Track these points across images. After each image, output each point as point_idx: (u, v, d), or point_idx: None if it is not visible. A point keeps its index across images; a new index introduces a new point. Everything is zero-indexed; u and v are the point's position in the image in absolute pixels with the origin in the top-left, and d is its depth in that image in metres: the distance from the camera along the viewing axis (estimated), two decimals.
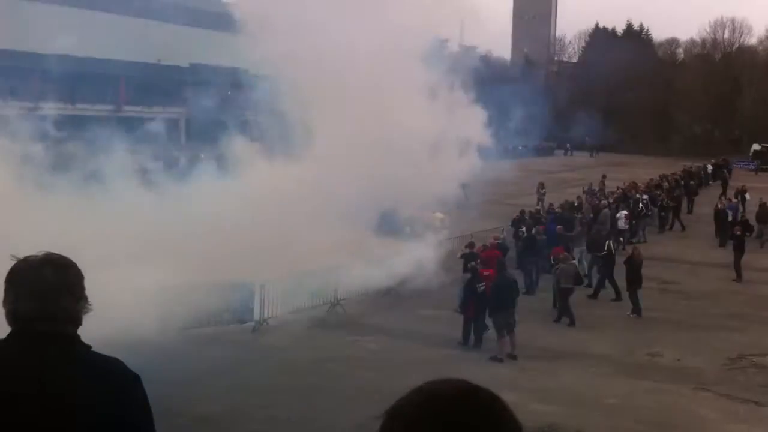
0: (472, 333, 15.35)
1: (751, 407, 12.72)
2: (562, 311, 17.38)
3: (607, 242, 20.56)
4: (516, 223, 24.12)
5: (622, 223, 26.21)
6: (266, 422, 11.32)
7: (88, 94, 46.98)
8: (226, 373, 13.05)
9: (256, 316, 16.32)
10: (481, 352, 14.89)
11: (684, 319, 17.74)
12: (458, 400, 1.41)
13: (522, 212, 25.32)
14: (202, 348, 14.03)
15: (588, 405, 12.35)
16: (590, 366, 14.28)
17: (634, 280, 18.48)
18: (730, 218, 28.39)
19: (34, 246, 2.67)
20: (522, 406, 11.69)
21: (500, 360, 14.47)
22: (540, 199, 33.80)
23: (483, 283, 15.48)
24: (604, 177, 37.96)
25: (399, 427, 1.40)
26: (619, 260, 19.72)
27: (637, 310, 18.10)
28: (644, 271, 19.45)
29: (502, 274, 15.68)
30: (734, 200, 31.97)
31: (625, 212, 27.05)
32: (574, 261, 18.60)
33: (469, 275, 16.77)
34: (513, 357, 14.64)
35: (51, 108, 42.19)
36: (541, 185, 35.78)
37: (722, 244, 26.79)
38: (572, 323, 17.09)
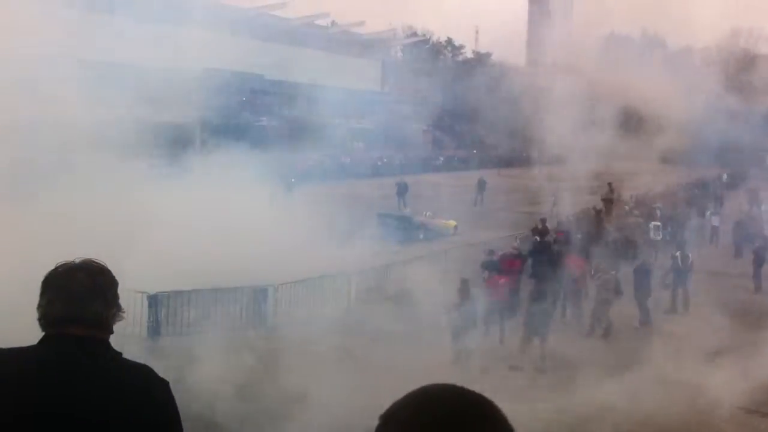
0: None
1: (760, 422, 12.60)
2: (596, 321, 17.23)
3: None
4: (536, 231, 23.98)
5: (654, 234, 26.32)
6: (274, 428, 11.31)
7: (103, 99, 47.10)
8: (237, 378, 13.03)
9: (269, 320, 16.37)
10: (492, 361, 14.83)
11: (699, 330, 17.56)
12: (451, 404, 1.42)
13: (543, 220, 25.35)
14: (215, 352, 14.03)
15: (599, 416, 12.25)
16: (602, 376, 14.16)
17: (643, 289, 18.32)
18: (716, 224, 30.46)
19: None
20: (532, 416, 11.63)
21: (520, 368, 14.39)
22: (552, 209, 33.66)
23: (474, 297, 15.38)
24: (610, 185, 37.74)
25: (393, 430, 1.42)
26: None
27: (645, 320, 17.99)
28: (658, 280, 19.39)
29: (542, 283, 15.63)
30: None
31: (656, 223, 27.32)
32: (614, 272, 18.35)
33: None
34: (542, 370, 14.51)
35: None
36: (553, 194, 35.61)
37: (737, 255, 26.77)
38: (607, 333, 16.99)
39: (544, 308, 15.14)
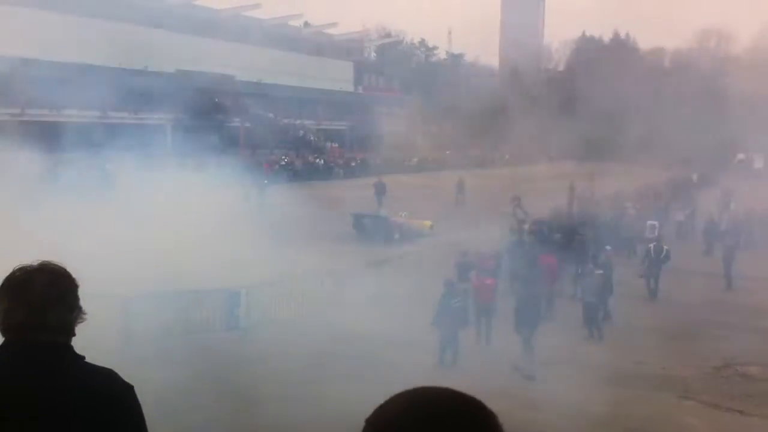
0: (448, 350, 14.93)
1: (735, 416, 12.75)
2: (590, 324, 17.15)
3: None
4: (513, 231, 23.98)
5: (653, 233, 26.75)
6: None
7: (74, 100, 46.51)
8: (212, 382, 12.95)
9: (242, 323, 16.26)
10: (474, 361, 14.84)
11: (669, 328, 17.77)
12: (443, 404, 1.40)
13: (520, 221, 25.56)
14: (188, 356, 13.93)
15: (574, 413, 12.32)
16: (576, 374, 14.25)
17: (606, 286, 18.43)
18: (681, 219, 31.96)
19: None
20: (509, 414, 11.57)
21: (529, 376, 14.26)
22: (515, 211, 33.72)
23: (460, 298, 15.33)
24: (571, 184, 37.98)
25: (382, 430, 1.40)
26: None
27: (608, 316, 18.08)
28: (631, 278, 19.50)
29: (530, 287, 15.63)
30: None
31: (654, 222, 27.98)
32: (599, 272, 18.25)
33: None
34: (518, 368, 14.46)
35: (36, 114, 42.18)
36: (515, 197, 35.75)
37: (708, 253, 27.14)
38: (600, 337, 16.94)
39: (530, 310, 15.08)
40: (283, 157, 51.44)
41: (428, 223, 29.74)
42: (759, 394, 13.81)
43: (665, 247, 21.61)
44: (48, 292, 2.49)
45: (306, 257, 20.45)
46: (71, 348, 2.54)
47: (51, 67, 43.06)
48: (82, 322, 2.60)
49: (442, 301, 15.05)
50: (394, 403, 1.42)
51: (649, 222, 28.13)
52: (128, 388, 2.53)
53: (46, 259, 2.61)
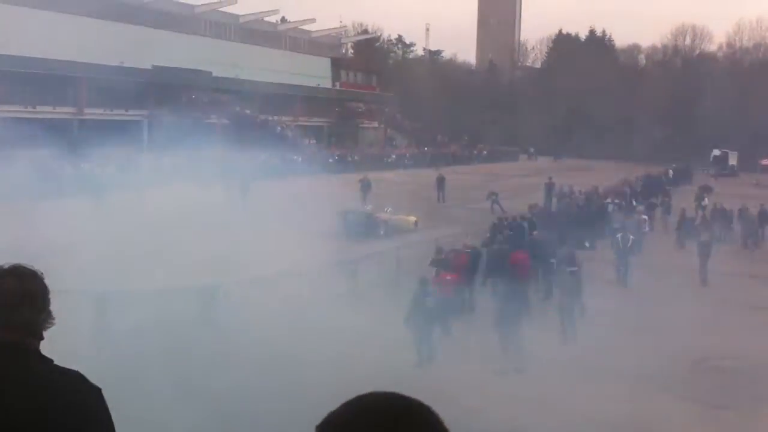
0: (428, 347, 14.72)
1: (712, 411, 12.85)
2: (565, 322, 16.80)
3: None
4: (495, 228, 23.83)
5: (644, 227, 27.02)
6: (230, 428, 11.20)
7: (49, 96, 45.99)
8: (190, 381, 12.84)
9: (219, 320, 16.16)
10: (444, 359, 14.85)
11: (646, 323, 17.85)
12: (386, 411, 1.41)
13: (499, 218, 25.64)
14: (168, 355, 13.79)
15: (552, 410, 12.36)
16: (554, 371, 14.30)
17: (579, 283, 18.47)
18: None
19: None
20: (487, 412, 11.71)
21: (505, 373, 14.07)
22: (492, 207, 34.08)
23: (433, 297, 15.26)
24: (550, 179, 38.58)
25: None
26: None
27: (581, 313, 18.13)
28: (607, 276, 19.60)
29: (512, 282, 15.57)
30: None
31: (645, 216, 28.46)
32: (573, 269, 18.06)
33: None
34: (519, 370, 14.20)
35: (10, 111, 41.71)
36: (492, 193, 36.18)
37: (681, 247, 27.48)
38: (574, 333, 16.64)
39: (514, 305, 15.00)
40: (261, 154, 51.21)
41: (413, 218, 29.88)
42: (734, 388, 13.94)
43: (632, 237, 22.91)
44: (15, 292, 2.46)
45: (288, 253, 20.33)
46: (37, 349, 2.50)
47: (24, 63, 42.63)
48: (51, 326, 2.56)
49: (415, 299, 14.93)
50: (344, 409, 1.43)
51: (642, 216, 28.73)
52: (95, 391, 2.49)
53: (19, 262, 2.57)
